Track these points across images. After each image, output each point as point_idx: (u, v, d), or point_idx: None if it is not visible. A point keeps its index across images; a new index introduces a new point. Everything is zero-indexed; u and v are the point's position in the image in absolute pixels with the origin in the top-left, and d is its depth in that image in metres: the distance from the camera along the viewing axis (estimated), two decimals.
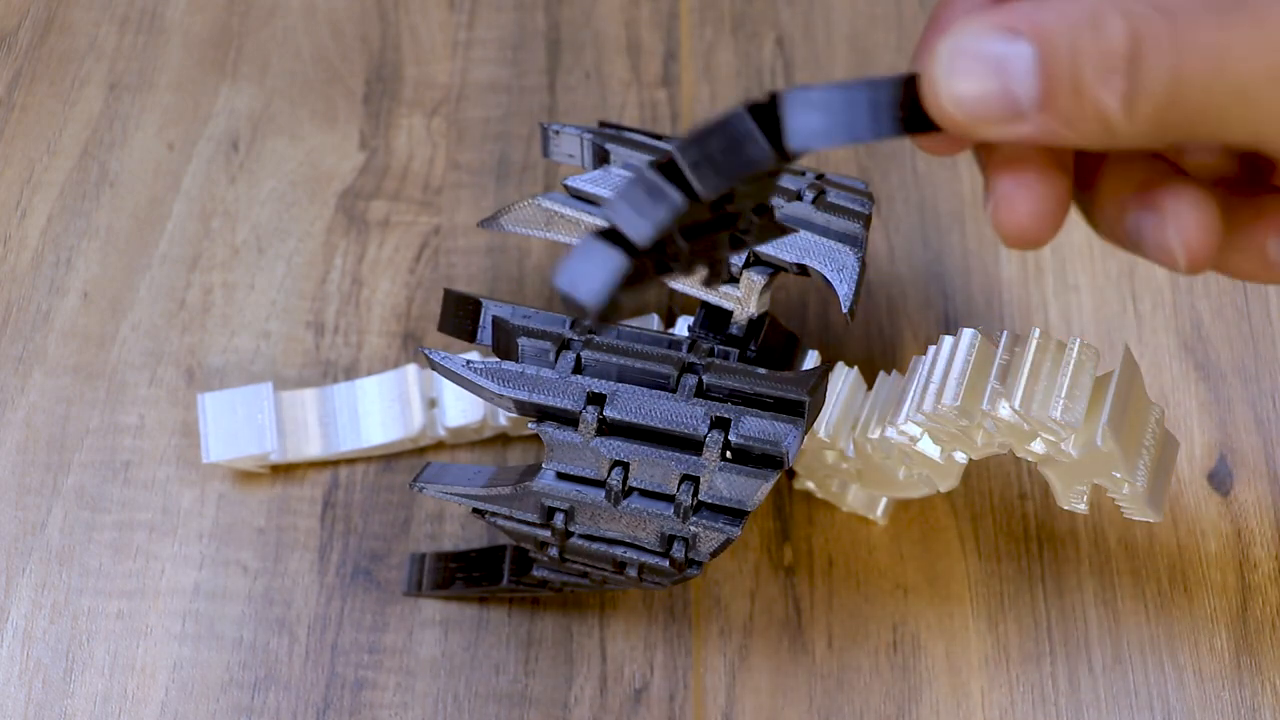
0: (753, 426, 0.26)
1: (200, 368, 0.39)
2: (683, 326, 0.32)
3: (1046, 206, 0.23)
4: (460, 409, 0.36)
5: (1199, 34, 0.20)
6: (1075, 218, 0.41)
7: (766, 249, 0.29)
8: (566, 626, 0.35)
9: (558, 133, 0.32)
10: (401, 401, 0.36)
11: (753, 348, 0.29)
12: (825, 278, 0.28)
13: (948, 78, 0.21)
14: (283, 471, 0.37)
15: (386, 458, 0.37)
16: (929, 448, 0.30)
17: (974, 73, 0.21)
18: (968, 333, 0.29)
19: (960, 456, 0.30)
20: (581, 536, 0.28)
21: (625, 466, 0.27)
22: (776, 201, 0.30)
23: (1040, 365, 0.27)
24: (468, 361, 0.28)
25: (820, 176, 0.31)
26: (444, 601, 0.35)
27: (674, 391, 0.27)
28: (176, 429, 0.38)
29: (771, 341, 0.31)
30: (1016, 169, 0.23)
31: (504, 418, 0.36)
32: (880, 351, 0.38)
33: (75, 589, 0.35)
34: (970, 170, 0.41)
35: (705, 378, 0.27)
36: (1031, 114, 0.21)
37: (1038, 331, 0.28)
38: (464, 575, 0.34)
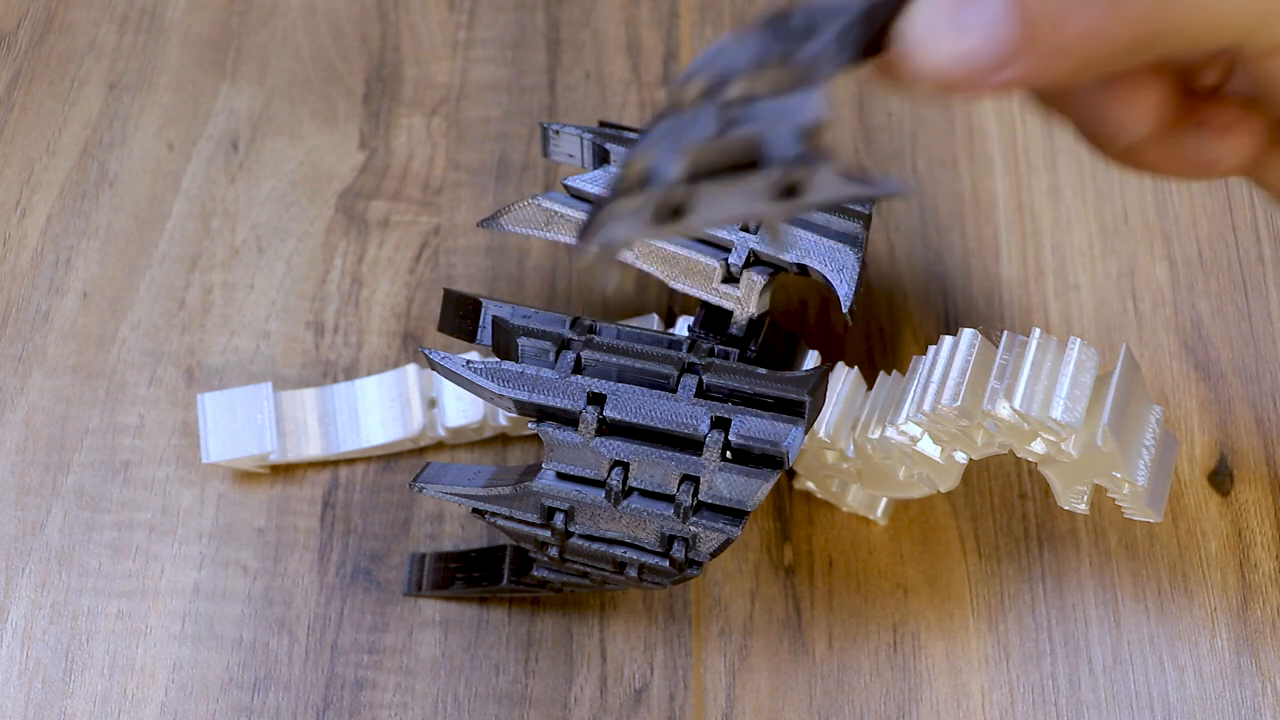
0: (753, 426, 0.26)
1: (200, 368, 0.39)
2: (683, 326, 0.32)
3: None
4: (460, 409, 0.36)
5: None
6: (1074, 219, 0.41)
7: (766, 249, 0.29)
8: (566, 626, 0.35)
9: (558, 133, 0.32)
10: (401, 401, 0.36)
11: (753, 348, 0.29)
12: (825, 278, 0.28)
13: (925, 44, 0.20)
14: (282, 471, 0.37)
15: (386, 458, 0.37)
16: (929, 448, 0.30)
17: (950, 33, 0.20)
18: (968, 333, 0.29)
19: (960, 456, 0.30)
20: (581, 536, 0.28)
21: (625, 466, 0.27)
22: None
23: (1040, 365, 0.27)
24: (468, 361, 0.28)
25: None
26: (444, 601, 0.35)
27: (674, 391, 0.27)
28: (176, 429, 0.38)
29: (771, 341, 0.31)
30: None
31: (504, 418, 0.36)
32: (880, 351, 0.38)
33: (75, 589, 0.35)
34: (970, 170, 0.41)
35: (705, 378, 0.27)
36: (1018, 57, 0.20)
37: (1038, 331, 0.28)
38: (464, 575, 0.34)
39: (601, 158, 0.32)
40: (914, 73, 0.20)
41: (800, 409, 0.26)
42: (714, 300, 0.30)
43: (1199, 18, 0.20)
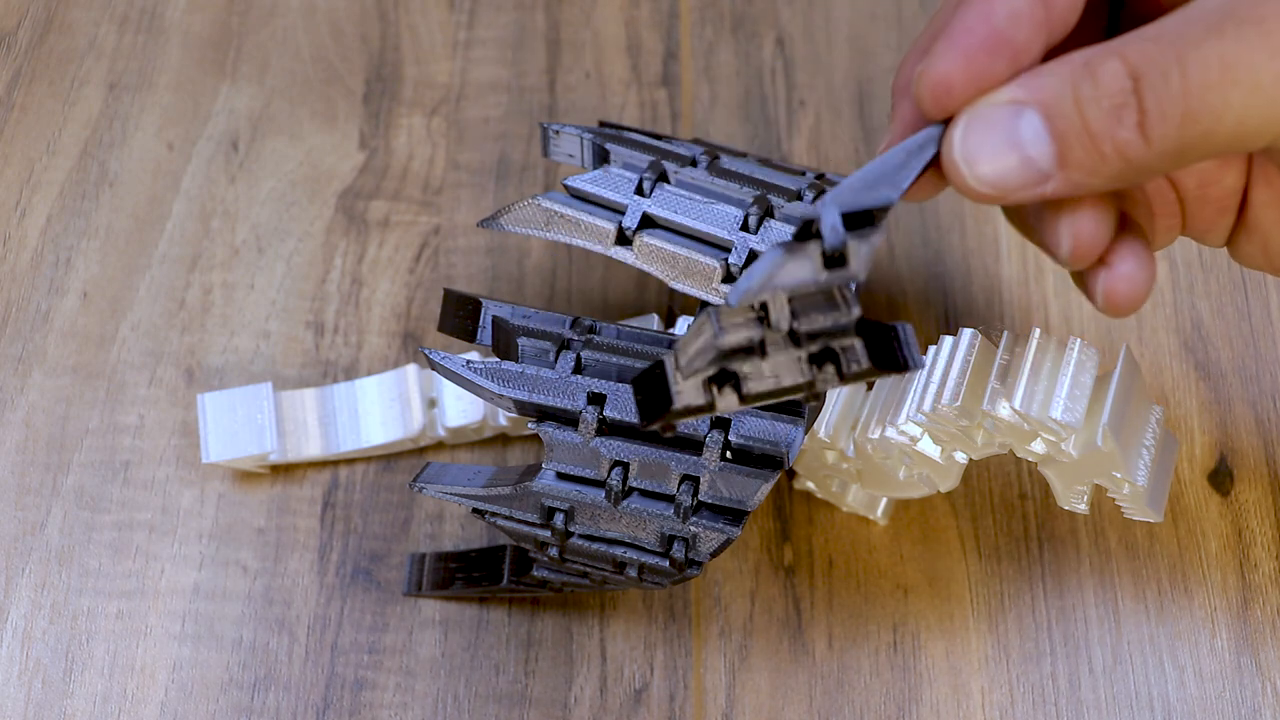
0: (753, 426, 0.26)
1: (200, 368, 0.39)
2: (683, 326, 0.32)
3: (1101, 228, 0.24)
4: (460, 409, 0.36)
5: (1200, 48, 0.20)
6: None
7: (762, 249, 0.29)
8: (566, 626, 0.35)
9: (558, 133, 0.32)
10: (401, 401, 0.36)
11: None
12: None
13: (968, 161, 0.22)
14: (282, 471, 0.37)
15: (386, 458, 0.37)
16: (929, 448, 0.30)
17: (991, 152, 0.22)
18: (968, 333, 0.29)
19: (960, 456, 0.30)
20: (581, 536, 0.28)
21: (625, 466, 0.27)
22: (777, 201, 0.30)
23: (1040, 365, 0.27)
24: (468, 361, 0.28)
25: (820, 176, 0.31)
26: (444, 601, 0.35)
27: None
28: (176, 429, 0.38)
29: None
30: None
31: (504, 418, 0.36)
32: None
33: (75, 589, 0.35)
34: None
35: None
36: (1053, 173, 0.22)
37: (1038, 331, 0.28)
38: (464, 575, 0.34)
39: (601, 158, 0.31)
40: (962, 188, 0.22)
41: (800, 409, 0.26)
42: (714, 300, 0.30)
43: (1226, 132, 0.21)
